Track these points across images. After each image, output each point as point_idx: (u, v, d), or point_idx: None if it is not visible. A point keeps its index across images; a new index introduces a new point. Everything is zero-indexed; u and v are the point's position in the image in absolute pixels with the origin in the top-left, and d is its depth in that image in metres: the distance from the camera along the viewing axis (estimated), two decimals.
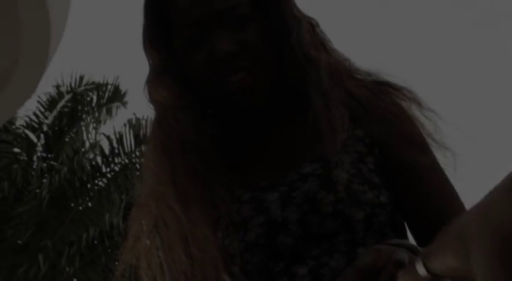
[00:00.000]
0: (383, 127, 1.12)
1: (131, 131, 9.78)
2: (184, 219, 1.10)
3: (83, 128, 10.36)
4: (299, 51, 1.14)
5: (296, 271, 1.05)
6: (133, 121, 9.85)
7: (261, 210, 1.08)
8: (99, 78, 10.64)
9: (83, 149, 10.20)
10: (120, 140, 9.81)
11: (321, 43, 1.18)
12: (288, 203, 1.08)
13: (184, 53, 1.14)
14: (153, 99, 1.16)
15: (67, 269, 9.09)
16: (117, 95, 10.49)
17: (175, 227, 1.11)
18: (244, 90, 1.11)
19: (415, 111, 1.14)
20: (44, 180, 9.64)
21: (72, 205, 9.59)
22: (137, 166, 9.39)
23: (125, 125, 9.92)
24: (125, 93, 10.52)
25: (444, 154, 1.12)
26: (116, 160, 9.80)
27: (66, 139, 10.20)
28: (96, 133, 10.42)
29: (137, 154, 9.53)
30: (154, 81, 1.16)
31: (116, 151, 9.81)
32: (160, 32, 1.15)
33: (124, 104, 10.56)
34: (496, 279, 0.53)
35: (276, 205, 1.08)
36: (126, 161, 9.75)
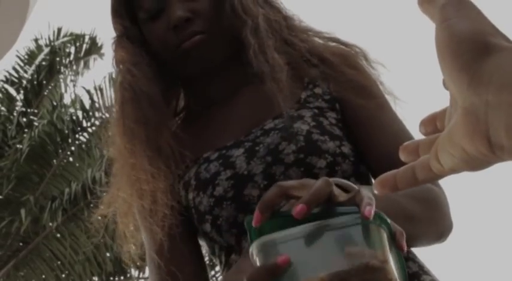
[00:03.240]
0: (339, 82, 1.19)
1: (111, 84, 9.69)
2: (128, 153, 1.18)
3: (61, 82, 10.27)
4: (238, 4, 1.24)
5: None
6: (114, 75, 9.76)
7: (228, 165, 1.14)
8: (76, 31, 10.54)
9: (62, 103, 10.11)
10: (100, 93, 9.73)
11: (264, 1, 1.29)
12: (252, 156, 1.13)
13: (146, 24, 1.25)
14: (114, 60, 1.28)
15: (49, 224, 9.09)
16: (94, 48, 10.40)
17: (122, 164, 1.20)
18: (198, 47, 1.20)
19: (364, 64, 1.23)
20: (24, 135, 9.57)
21: (53, 159, 9.55)
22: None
23: (104, 78, 9.84)
24: (101, 46, 10.44)
25: (391, 99, 1.20)
26: (97, 114, 9.74)
27: (45, 93, 10.10)
28: (74, 86, 10.35)
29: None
30: (116, 45, 1.28)
31: (96, 105, 9.74)
32: (124, 4, 1.28)
33: (101, 56, 10.48)
34: None
35: (241, 159, 1.14)
36: (107, 115, 9.69)
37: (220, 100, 1.26)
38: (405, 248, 0.75)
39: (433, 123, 0.57)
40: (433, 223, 1.08)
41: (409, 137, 1.16)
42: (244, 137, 1.18)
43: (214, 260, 1.17)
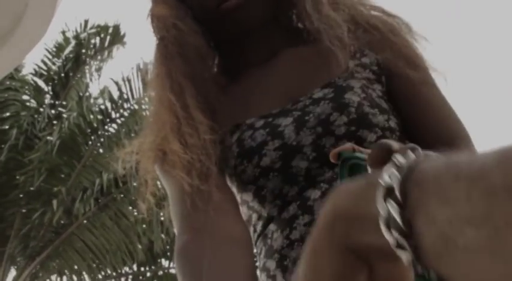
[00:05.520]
0: (388, 51, 1.15)
1: (139, 75, 9.73)
2: (178, 105, 1.13)
3: (87, 72, 10.33)
4: None
5: (309, 195, 1.06)
6: (141, 66, 9.79)
7: (276, 135, 1.09)
8: (100, 21, 10.61)
9: (88, 94, 10.18)
10: (129, 84, 9.77)
11: None
12: (301, 126, 1.09)
13: None
14: (153, 15, 1.22)
15: (81, 214, 9.17)
16: (117, 37, 10.43)
17: (169, 115, 1.14)
18: (238, 9, 1.15)
19: (408, 36, 1.19)
20: (54, 127, 9.65)
21: (83, 151, 9.62)
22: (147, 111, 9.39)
23: (132, 68, 9.88)
24: (124, 35, 10.47)
25: (434, 74, 1.17)
26: (125, 105, 9.78)
27: (72, 84, 10.17)
28: (99, 77, 10.42)
29: (146, 99, 9.52)
30: (155, 1, 1.23)
31: (125, 96, 9.78)
32: None
33: (123, 44, 10.52)
34: None
35: (290, 128, 1.09)
36: (136, 106, 9.73)
37: (259, 63, 1.21)
38: None
39: None
40: None
41: (454, 114, 1.14)
42: (291, 105, 1.13)
43: (248, 228, 1.13)
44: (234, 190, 1.12)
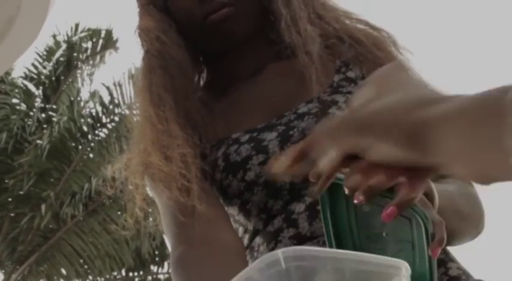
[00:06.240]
0: (373, 65, 1.15)
1: (130, 80, 9.73)
2: (156, 118, 1.13)
3: (78, 76, 10.32)
4: None
5: (293, 209, 1.06)
6: (133, 71, 9.79)
7: (260, 149, 1.10)
8: (92, 26, 10.59)
9: (79, 99, 10.17)
10: (120, 89, 9.77)
11: None
12: (286, 141, 1.09)
13: None
14: (139, 28, 1.22)
15: (70, 219, 9.14)
16: (110, 42, 10.43)
17: (150, 128, 1.14)
18: (225, 21, 1.15)
19: (392, 49, 1.19)
20: (44, 130, 9.63)
21: (73, 155, 9.60)
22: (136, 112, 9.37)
23: (124, 74, 9.88)
24: (117, 40, 10.47)
25: None
26: (116, 111, 9.78)
27: (63, 88, 10.16)
28: (91, 81, 10.41)
29: (137, 104, 9.50)
30: (142, 13, 1.23)
31: (116, 101, 9.78)
32: None
33: (116, 50, 10.52)
34: None
35: (275, 143, 1.10)
36: (126, 111, 9.72)
37: (245, 77, 1.21)
38: (437, 254, 0.75)
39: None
40: (476, 222, 1.08)
41: None
42: (276, 120, 1.14)
43: None
44: (222, 202, 1.13)
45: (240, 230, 1.13)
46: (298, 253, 0.61)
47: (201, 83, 1.27)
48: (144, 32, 1.22)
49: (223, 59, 1.22)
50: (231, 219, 1.13)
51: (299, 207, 1.06)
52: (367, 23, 1.23)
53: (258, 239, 1.09)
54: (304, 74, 1.15)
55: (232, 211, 1.12)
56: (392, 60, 1.17)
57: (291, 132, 1.10)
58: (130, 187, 1.16)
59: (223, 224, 1.09)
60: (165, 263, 9.84)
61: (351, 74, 1.18)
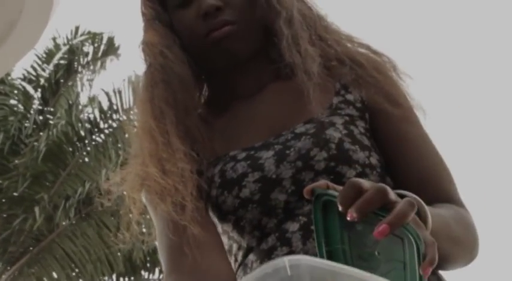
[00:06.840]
0: (372, 89, 1.17)
1: (130, 87, 9.73)
2: (157, 131, 1.15)
3: (78, 81, 10.31)
4: None
5: (287, 228, 1.08)
6: (133, 78, 9.81)
7: (256, 167, 1.11)
8: (94, 30, 10.57)
9: (78, 103, 10.15)
10: (119, 95, 9.76)
11: None
12: (282, 160, 1.11)
13: (175, 12, 1.22)
14: (143, 42, 1.24)
15: (63, 222, 9.13)
16: (111, 48, 10.42)
17: (149, 141, 1.16)
18: (227, 38, 1.17)
19: (392, 74, 1.21)
20: (41, 133, 9.63)
21: (69, 159, 9.59)
22: (136, 122, 9.34)
23: (124, 80, 9.88)
24: (119, 47, 10.45)
25: (419, 112, 1.19)
26: (114, 116, 9.78)
27: (62, 92, 10.16)
28: (90, 86, 10.39)
29: (136, 111, 9.48)
30: (146, 28, 1.24)
31: (115, 107, 9.78)
32: None
33: (118, 56, 10.50)
34: None
35: (271, 162, 1.11)
36: (124, 117, 9.73)
37: (246, 95, 1.22)
38: (428, 274, 0.75)
39: None
40: (470, 247, 1.09)
41: (437, 155, 1.16)
42: (273, 139, 1.15)
43: (228, 257, 1.15)
44: (216, 220, 1.14)
45: (234, 246, 1.14)
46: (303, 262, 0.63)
47: (202, 99, 1.28)
48: (148, 47, 1.23)
49: (224, 77, 1.23)
50: (226, 235, 1.14)
51: (293, 226, 1.07)
52: (368, 47, 1.24)
53: (251, 257, 1.11)
54: (303, 94, 1.16)
55: (227, 227, 1.13)
56: (391, 83, 1.19)
57: (287, 152, 1.12)
58: (128, 201, 1.17)
59: (215, 252, 1.11)
60: (156, 269, 9.81)
61: (349, 97, 1.19)
